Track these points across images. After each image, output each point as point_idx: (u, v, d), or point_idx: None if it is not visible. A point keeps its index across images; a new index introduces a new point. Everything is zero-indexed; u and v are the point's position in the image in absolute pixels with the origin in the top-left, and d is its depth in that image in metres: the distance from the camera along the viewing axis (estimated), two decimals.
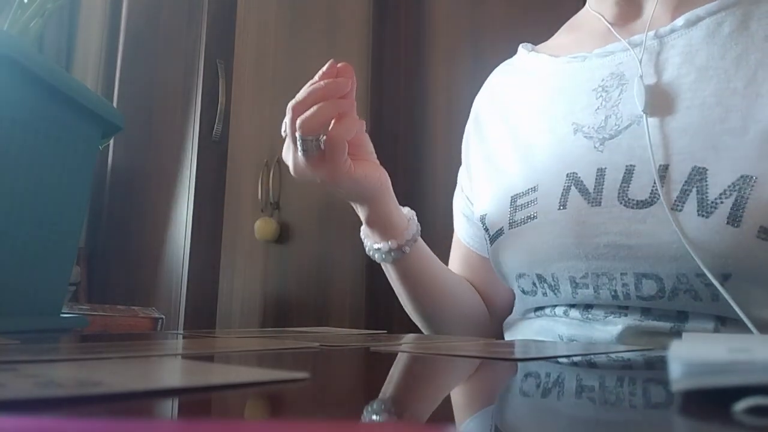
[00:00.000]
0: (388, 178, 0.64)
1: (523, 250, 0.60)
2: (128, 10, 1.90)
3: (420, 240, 0.67)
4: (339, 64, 0.57)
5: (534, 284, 0.61)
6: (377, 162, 0.64)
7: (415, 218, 0.68)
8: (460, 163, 0.78)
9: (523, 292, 0.63)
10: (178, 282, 1.54)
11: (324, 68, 0.56)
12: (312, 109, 0.55)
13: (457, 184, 0.79)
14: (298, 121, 0.55)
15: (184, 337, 0.52)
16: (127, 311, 1.20)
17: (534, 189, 0.62)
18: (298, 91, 0.57)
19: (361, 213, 0.65)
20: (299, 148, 0.57)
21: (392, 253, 0.65)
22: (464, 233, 0.77)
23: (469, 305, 0.74)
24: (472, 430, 0.18)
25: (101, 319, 1.10)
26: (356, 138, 0.60)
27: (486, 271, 0.75)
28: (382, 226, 0.64)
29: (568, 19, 0.76)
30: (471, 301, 0.74)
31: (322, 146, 0.57)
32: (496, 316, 0.76)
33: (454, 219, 0.80)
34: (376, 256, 0.66)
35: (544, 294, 0.60)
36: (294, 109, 0.56)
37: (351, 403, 0.23)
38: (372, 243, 0.66)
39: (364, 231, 0.67)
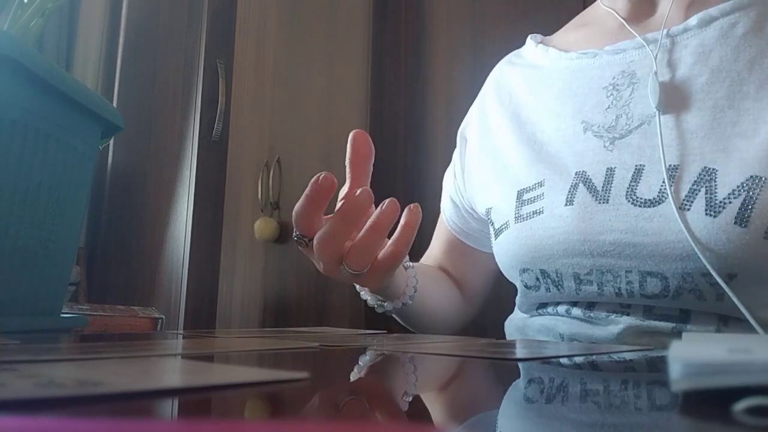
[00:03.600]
0: None
1: (527, 245, 0.60)
2: (128, 10, 1.90)
3: (418, 279, 0.64)
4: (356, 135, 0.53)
5: (537, 279, 0.60)
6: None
7: (411, 267, 0.64)
8: None
9: (526, 287, 0.63)
10: (178, 282, 1.54)
11: (316, 181, 0.49)
12: (361, 249, 0.51)
13: (451, 164, 0.79)
14: (346, 261, 0.52)
15: (184, 337, 0.52)
16: (127, 311, 1.20)
17: (541, 184, 0.61)
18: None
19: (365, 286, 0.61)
20: (345, 275, 0.53)
21: (396, 308, 0.63)
22: (448, 215, 0.78)
23: (452, 301, 0.75)
24: (473, 430, 0.18)
25: (101, 319, 1.11)
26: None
27: (462, 255, 0.77)
28: (385, 291, 0.61)
29: (569, 18, 0.75)
30: (453, 297, 0.76)
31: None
32: (468, 299, 0.77)
33: (442, 198, 0.80)
34: (380, 310, 0.64)
35: (547, 290, 0.60)
36: (324, 243, 0.51)
37: (351, 403, 0.23)
38: (374, 300, 0.64)
39: (365, 292, 0.64)
